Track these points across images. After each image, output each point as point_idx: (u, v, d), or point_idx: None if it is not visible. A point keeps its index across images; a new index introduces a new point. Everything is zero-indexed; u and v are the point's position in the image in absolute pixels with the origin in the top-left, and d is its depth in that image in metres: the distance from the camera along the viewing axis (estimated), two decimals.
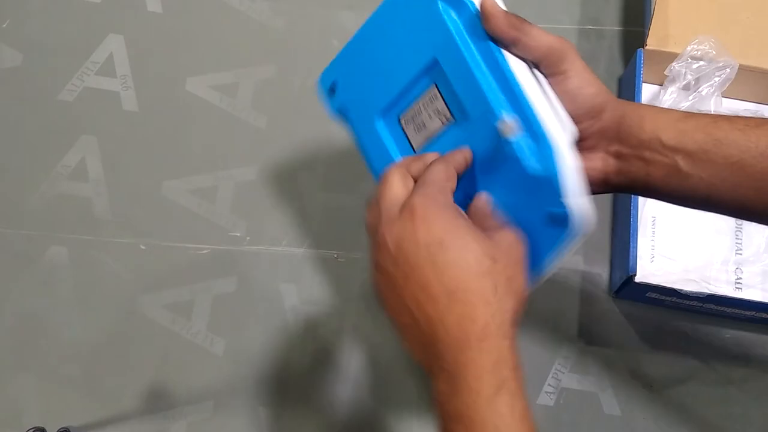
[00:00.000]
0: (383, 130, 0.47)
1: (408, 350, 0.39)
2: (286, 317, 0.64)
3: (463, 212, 0.40)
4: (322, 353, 0.63)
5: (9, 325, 0.62)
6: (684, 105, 0.68)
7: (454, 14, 0.42)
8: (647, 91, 0.70)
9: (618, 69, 0.75)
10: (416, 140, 0.45)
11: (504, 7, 0.42)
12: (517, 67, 0.41)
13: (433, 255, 0.36)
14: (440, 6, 0.42)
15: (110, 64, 0.71)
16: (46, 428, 0.56)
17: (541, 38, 0.41)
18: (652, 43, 0.68)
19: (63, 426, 0.58)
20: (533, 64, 0.42)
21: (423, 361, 0.38)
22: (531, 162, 0.40)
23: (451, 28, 0.42)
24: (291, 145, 0.70)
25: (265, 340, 0.63)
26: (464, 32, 0.41)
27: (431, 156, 0.43)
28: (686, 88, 0.68)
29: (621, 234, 0.65)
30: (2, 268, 0.64)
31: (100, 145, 0.68)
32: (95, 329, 0.62)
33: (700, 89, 0.67)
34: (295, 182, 0.68)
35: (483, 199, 0.42)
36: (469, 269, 0.37)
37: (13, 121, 0.69)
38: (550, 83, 0.42)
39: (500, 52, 0.41)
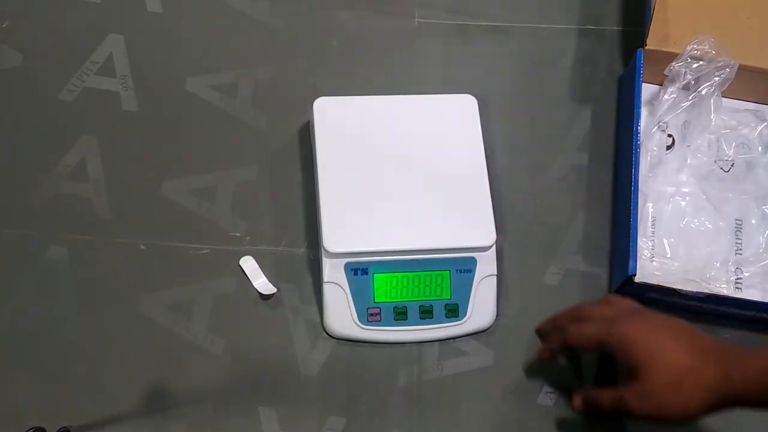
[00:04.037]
0: None
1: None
2: (286, 317, 0.64)
3: None
4: (322, 353, 0.63)
5: (9, 325, 0.62)
6: (684, 104, 0.68)
7: None
8: (647, 91, 0.70)
9: (618, 69, 0.75)
10: None
11: None
12: None
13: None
14: None
15: (110, 64, 0.71)
16: (46, 428, 0.56)
17: None
18: (652, 43, 0.68)
19: (63, 426, 0.58)
20: None
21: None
22: None
23: None
24: (291, 145, 0.70)
25: (265, 340, 0.63)
26: None
27: None
28: (686, 87, 0.68)
29: (621, 234, 0.66)
30: (2, 268, 0.64)
31: (100, 145, 0.68)
32: (95, 329, 0.62)
33: (699, 89, 0.67)
34: (295, 182, 0.68)
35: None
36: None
37: (13, 121, 0.69)
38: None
39: None
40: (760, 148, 0.69)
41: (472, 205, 0.63)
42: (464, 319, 0.62)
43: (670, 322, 0.53)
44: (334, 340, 0.63)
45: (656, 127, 0.68)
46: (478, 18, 0.77)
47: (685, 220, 0.66)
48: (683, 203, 0.67)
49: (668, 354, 0.50)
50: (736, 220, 0.67)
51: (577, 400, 0.56)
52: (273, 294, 0.64)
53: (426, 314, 0.62)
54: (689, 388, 0.49)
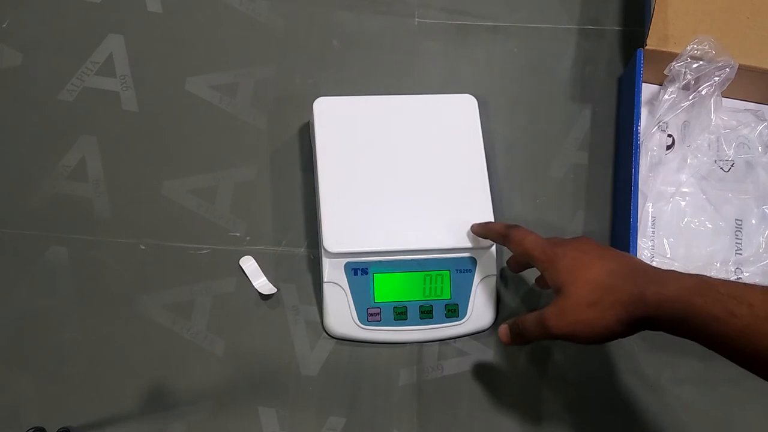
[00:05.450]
0: None
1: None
2: (286, 317, 0.64)
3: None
4: (322, 353, 0.63)
5: (9, 325, 0.62)
6: (684, 104, 0.68)
7: None
8: (647, 91, 0.70)
9: (618, 69, 0.75)
10: None
11: None
12: None
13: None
14: None
15: (110, 64, 0.71)
16: (46, 428, 0.56)
17: None
18: (652, 42, 0.68)
19: (63, 426, 0.58)
20: None
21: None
22: None
23: None
24: (291, 145, 0.70)
25: (265, 339, 0.63)
26: None
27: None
28: (686, 87, 0.68)
29: (621, 234, 0.66)
30: (2, 268, 0.64)
31: (100, 145, 0.68)
32: (95, 329, 0.62)
33: (699, 89, 0.67)
34: (295, 182, 0.68)
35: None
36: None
37: (13, 121, 0.69)
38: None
39: None
40: (760, 148, 0.69)
41: (472, 205, 0.63)
42: (464, 319, 0.62)
43: (605, 249, 0.53)
44: (334, 340, 0.63)
45: (656, 127, 0.68)
46: (478, 18, 0.77)
47: (685, 220, 0.66)
48: (683, 203, 0.67)
49: (590, 272, 0.50)
50: (736, 220, 0.67)
51: (503, 329, 0.56)
52: (273, 294, 0.64)
53: (426, 314, 0.62)
54: (603, 305, 0.48)
